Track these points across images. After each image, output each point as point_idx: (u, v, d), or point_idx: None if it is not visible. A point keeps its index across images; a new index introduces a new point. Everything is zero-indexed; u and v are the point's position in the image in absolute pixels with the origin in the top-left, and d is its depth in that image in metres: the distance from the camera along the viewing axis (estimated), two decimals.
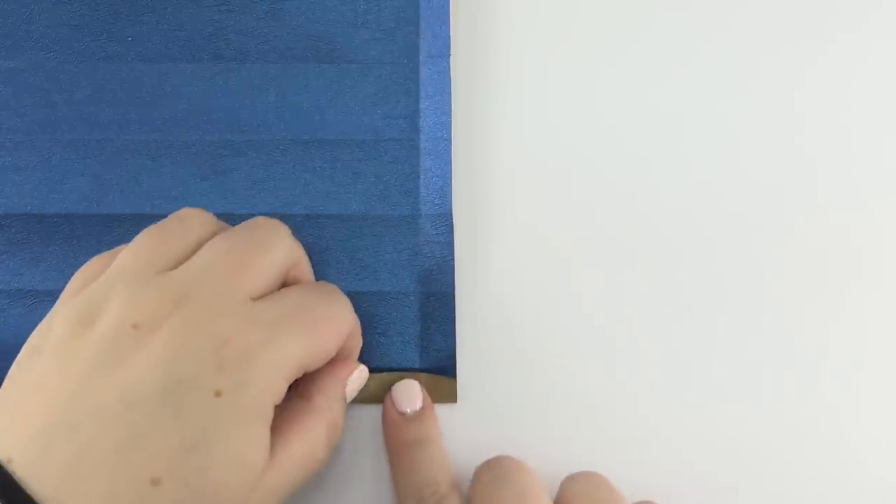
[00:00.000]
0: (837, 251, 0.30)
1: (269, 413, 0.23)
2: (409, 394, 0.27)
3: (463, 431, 0.28)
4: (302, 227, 0.29)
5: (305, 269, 0.27)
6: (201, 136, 0.29)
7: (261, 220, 0.26)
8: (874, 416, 0.29)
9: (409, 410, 0.27)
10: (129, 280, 0.23)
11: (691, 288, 0.29)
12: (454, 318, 0.28)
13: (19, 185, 0.29)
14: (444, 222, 0.29)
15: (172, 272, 0.23)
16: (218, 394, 0.21)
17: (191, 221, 0.25)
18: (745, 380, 0.29)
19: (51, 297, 0.28)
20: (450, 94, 0.30)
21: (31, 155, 0.29)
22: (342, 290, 0.28)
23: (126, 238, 0.28)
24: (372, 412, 0.28)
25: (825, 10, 0.32)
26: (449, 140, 0.29)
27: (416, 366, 0.28)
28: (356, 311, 0.27)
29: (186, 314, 0.22)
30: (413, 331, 0.28)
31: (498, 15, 0.31)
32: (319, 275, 0.28)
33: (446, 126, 0.29)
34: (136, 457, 0.21)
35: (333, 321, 0.25)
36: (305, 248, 0.28)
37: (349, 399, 0.26)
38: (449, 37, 0.30)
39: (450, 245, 0.29)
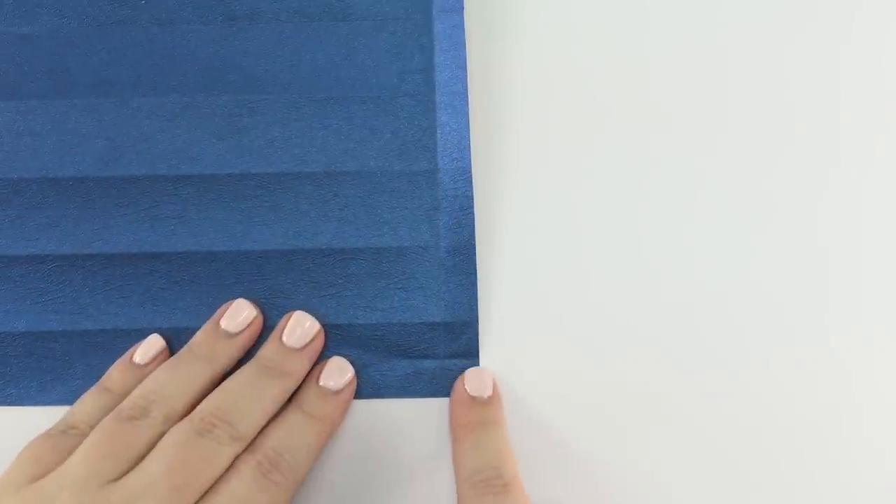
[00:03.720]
0: (840, 249, 0.30)
1: None
2: (481, 380, 0.28)
3: None
4: (321, 184, 0.29)
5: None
6: (217, 96, 0.29)
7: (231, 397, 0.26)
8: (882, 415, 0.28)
9: (479, 395, 0.27)
10: (73, 492, 0.23)
11: (721, 230, 0.29)
12: (475, 270, 0.28)
13: (35, 149, 0.29)
14: (463, 176, 0.29)
15: (115, 487, 0.23)
16: None
17: (151, 414, 0.25)
18: (762, 364, 0.29)
19: (68, 261, 0.28)
20: (464, 47, 0.29)
21: (46, 119, 0.29)
22: (362, 246, 0.28)
23: (141, 201, 0.29)
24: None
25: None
26: (465, 94, 0.29)
27: (438, 319, 0.28)
28: (378, 269, 0.28)
29: None
30: (434, 284, 0.28)
31: None
32: (340, 232, 0.28)
33: (462, 80, 0.29)
34: None
35: None
36: (324, 208, 0.28)
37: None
38: None
39: (469, 198, 0.29)
